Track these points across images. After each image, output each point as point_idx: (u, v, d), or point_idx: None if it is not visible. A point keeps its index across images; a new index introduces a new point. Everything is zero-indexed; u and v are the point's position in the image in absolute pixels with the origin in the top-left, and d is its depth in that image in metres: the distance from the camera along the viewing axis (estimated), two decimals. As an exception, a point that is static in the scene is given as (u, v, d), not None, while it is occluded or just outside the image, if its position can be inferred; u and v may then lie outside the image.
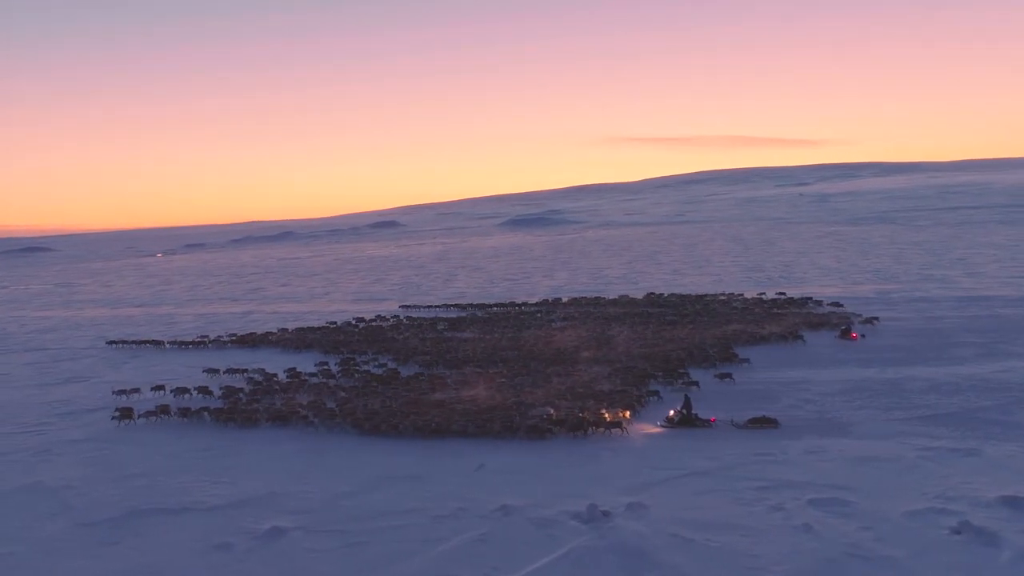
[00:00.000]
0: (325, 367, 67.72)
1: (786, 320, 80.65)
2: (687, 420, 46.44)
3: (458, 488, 37.86)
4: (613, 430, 45.69)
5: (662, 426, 46.76)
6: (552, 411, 49.36)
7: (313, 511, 35.95)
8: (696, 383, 54.86)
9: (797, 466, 38.26)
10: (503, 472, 39.85)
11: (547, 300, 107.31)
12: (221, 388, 60.94)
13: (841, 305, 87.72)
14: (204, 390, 60.91)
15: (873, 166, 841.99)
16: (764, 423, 45.23)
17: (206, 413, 54.37)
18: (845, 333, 72.00)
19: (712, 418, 46.69)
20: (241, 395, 59.29)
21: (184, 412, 54.84)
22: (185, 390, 61.03)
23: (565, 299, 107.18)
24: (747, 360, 62.20)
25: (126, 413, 54.40)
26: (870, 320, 77.21)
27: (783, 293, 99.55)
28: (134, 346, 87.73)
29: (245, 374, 67.38)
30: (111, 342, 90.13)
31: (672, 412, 47.36)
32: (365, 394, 57.34)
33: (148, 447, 48.03)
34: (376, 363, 70.37)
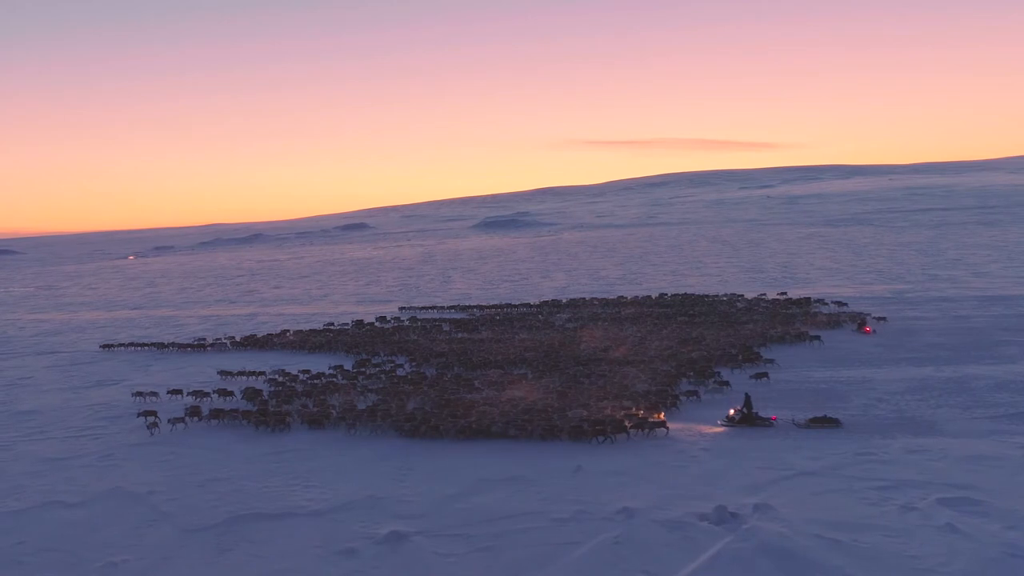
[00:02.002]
0: (340, 369, 66.88)
1: (799, 319, 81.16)
2: (748, 419, 46.14)
3: (564, 490, 37.31)
4: (657, 430, 45.44)
5: (722, 424, 46.48)
6: (585, 412, 48.86)
7: (425, 515, 35.23)
8: (727, 383, 55.13)
9: (906, 465, 38.01)
10: (602, 474, 39.29)
11: (548, 301, 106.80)
12: (242, 391, 59.98)
13: (845, 304, 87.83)
14: (225, 392, 59.93)
15: (834, 168, 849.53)
16: (825, 423, 45.00)
17: (241, 416, 53.42)
18: (860, 327, 74.71)
19: (773, 416, 46.44)
20: (265, 397, 58.38)
21: (217, 414, 53.87)
22: (205, 393, 59.86)
23: (564, 300, 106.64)
24: (773, 360, 61.80)
25: (150, 416, 53.64)
26: (875, 319, 77.83)
27: (784, 293, 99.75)
28: (131, 349, 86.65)
29: (263, 376, 66.32)
30: (105, 345, 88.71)
31: (732, 411, 47.10)
32: (397, 396, 56.50)
33: (215, 451, 47.12)
34: (392, 364, 69.24)
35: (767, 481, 36.90)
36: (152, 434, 50.54)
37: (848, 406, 48.68)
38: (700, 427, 46.40)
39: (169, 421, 52.14)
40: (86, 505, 39.02)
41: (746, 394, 47.73)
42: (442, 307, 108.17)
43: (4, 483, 43.06)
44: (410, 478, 40.39)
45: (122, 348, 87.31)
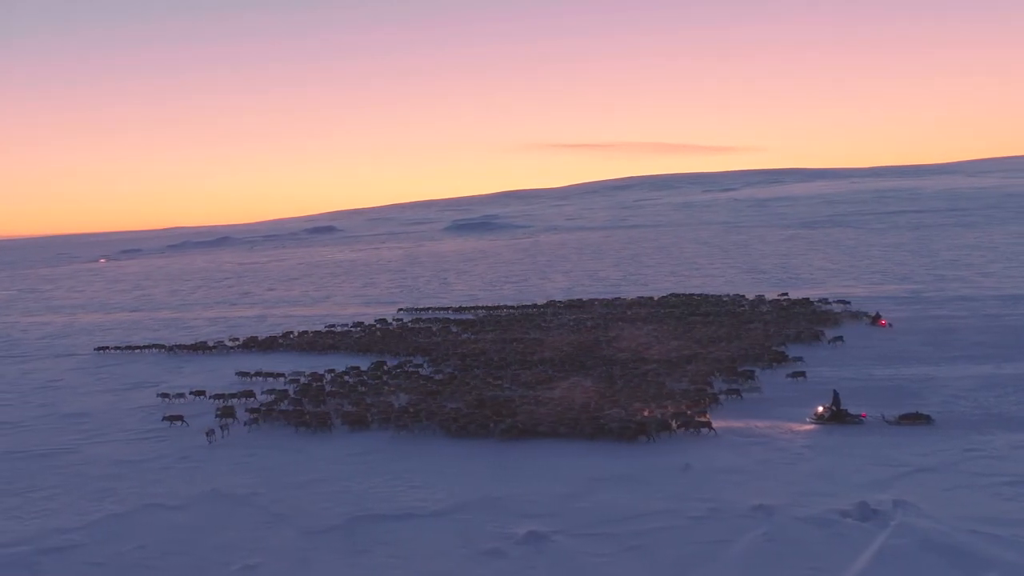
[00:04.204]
0: (358, 369, 66.30)
1: (811, 318, 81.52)
2: (838, 416, 46.04)
3: (684, 488, 36.99)
4: (703, 430, 45.52)
5: (811, 422, 46.33)
6: (623, 412, 48.59)
7: (553, 514, 34.72)
8: (752, 377, 56.29)
9: (1019, 461, 38.10)
10: (713, 472, 39.01)
11: (553, 301, 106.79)
12: (265, 391, 59.73)
13: (848, 303, 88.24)
14: (248, 394, 59.08)
15: (795, 172, 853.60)
16: (916, 419, 44.99)
17: (281, 416, 52.80)
18: (875, 320, 77.52)
19: (863, 413, 46.39)
20: (294, 398, 57.87)
21: (254, 412, 53.30)
22: (234, 395, 59.14)
23: (564, 301, 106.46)
24: (801, 358, 61.96)
25: (175, 418, 53.39)
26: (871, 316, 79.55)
27: (785, 294, 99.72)
28: (128, 351, 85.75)
29: (284, 378, 65.49)
30: (99, 348, 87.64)
31: (821, 408, 46.88)
32: (432, 395, 56.27)
33: (293, 452, 46.56)
34: (410, 365, 68.56)
35: (889, 478, 36.76)
36: (210, 442, 48.95)
37: (927, 403, 48.62)
38: (790, 425, 46.22)
39: (221, 427, 50.77)
40: (189, 508, 38.15)
41: (834, 391, 47.65)
42: (450, 308, 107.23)
43: (90, 486, 42.09)
44: (515, 478, 39.85)
45: (117, 351, 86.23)
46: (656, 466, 40.24)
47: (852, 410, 46.60)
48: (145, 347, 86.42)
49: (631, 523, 33.29)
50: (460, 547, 31.91)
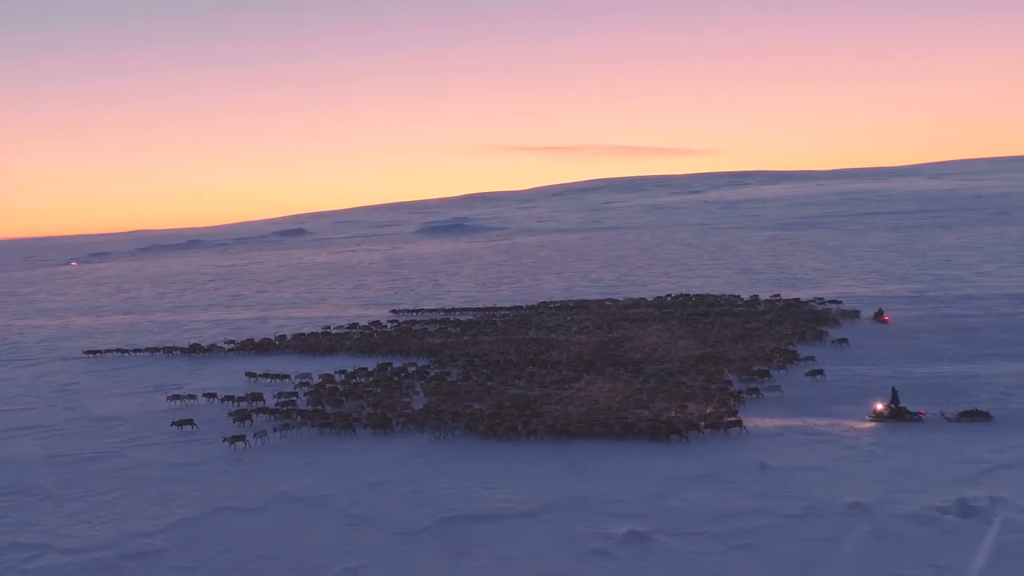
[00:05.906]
0: (365, 370, 65.68)
1: (808, 317, 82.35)
2: (897, 413, 46.05)
3: (769, 487, 36.82)
4: (733, 428, 45.52)
5: (871, 420, 46.30)
6: (646, 412, 48.52)
7: (646, 514, 34.39)
8: (769, 376, 56.49)
9: (1098, 458, 38.26)
10: (792, 471, 38.80)
11: (546, 301, 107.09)
12: (276, 395, 58.79)
13: (840, 302, 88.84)
14: (256, 396, 58.05)
15: (758, 174, 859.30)
16: (976, 416, 45.13)
17: (301, 417, 52.16)
18: (878, 317, 79.15)
19: (922, 411, 46.42)
20: (310, 399, 57.77)
21: (278, 414, 52.83)
22: (241, 398, 58.22)
23: (556, 302, 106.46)
24: (813, 357, 62.15)
25: (185, 422, 52.35)
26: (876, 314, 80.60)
27: (778, 295, 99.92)
28: (125, 354, 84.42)
29: (292, 379, 64.64)
30: (89, 351, 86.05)
31: (880, 406, 46.85)
32: (451, 395, 56.00)
33: (348, 454, 45.83)
34: (414, 366, 67.76)
35: (972, 474, 36.79)
36: (233, 448, 47.49)
37: (979, 400, 48.68)
38: (850, 422, 46.18)
39: (255, 435, 49.08)
40: (263, 510, 37.47)
41: (893, 388, 47.62)
42: (443, 309, 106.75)
43: (150, 490, 41.19)
44: (592, 477, 39.48)
45: (109, 353, 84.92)
46: (731, 464, 40.03)
47: (910, 408, 46.60)
48: (138, 350, 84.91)
49: (729, 522, 33.03)
50: (562, 548, 31.50)
